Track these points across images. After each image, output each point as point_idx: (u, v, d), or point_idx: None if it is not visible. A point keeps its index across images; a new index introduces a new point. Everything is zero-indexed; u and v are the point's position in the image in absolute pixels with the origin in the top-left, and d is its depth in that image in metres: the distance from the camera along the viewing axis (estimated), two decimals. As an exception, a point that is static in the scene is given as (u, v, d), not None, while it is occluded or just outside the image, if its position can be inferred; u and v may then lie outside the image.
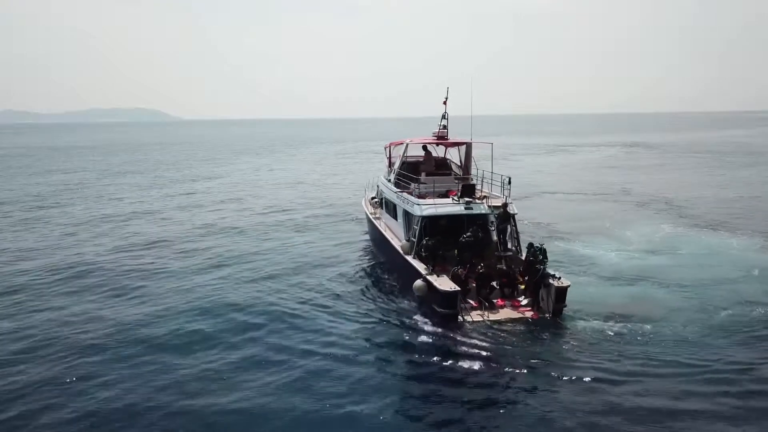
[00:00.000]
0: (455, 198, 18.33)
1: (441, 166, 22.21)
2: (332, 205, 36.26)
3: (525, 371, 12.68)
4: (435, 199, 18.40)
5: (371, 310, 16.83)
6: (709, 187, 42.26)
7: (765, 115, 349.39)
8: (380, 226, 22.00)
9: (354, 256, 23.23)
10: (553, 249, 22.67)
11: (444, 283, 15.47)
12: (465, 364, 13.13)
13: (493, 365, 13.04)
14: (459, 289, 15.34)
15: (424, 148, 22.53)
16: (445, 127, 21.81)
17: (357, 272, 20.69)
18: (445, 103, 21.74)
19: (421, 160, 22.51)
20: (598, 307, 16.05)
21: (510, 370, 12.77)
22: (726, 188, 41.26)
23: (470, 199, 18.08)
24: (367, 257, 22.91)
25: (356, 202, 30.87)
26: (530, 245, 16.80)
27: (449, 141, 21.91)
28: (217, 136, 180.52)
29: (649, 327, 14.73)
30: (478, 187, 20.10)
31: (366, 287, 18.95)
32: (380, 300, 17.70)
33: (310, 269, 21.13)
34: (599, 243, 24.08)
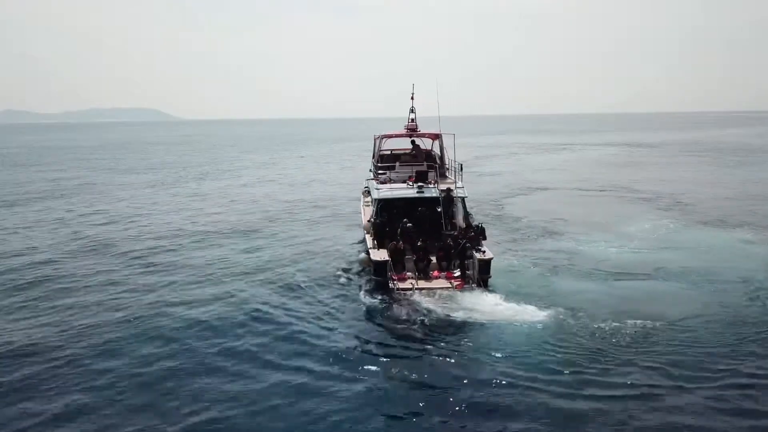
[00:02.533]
0: (410, 183, 20.53)
1: (427, 158, 24.06)
2: (335, 197, 38.84)
3: (437, 335, 14.10)
4: (392, 185, 20.83)
5: (327, 281, 18.82)
6: (711, 184, 42.37)
7: (765, 115, 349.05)
8: (363, 211, 24.28)
9: (342, 238, 25.64)
10: (550, 244, 23.35)
11: (378, 255, 17.64)
12: (386, 327, 14.82)
13: (412, 328, 14.62)
14: (388, 259, 17.39)
15: (413, 141, 24.48)
16: (413, 120, 23.92)
17: (337, 251, 23.08)
18: (412, 98, 23.80)
19: (399, 151, 25.26)
20: (556, 295, 16.62)
21: (423, 332, 14.34)
22: (728, 185, 41.34)
23: (422, 184, 20.30)
24: (351, 239, 25.26)
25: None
26: (468, 224, 19.22)
27: (420, 132, 24.07)
28: (225, 135, 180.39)
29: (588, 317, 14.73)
30: (449, 175, 22.70)
31: (337, 263, 21.06)
32: (341, 273, 19.63)
33: (296, 252, 23.00)
34: (599, 238, 24.30)
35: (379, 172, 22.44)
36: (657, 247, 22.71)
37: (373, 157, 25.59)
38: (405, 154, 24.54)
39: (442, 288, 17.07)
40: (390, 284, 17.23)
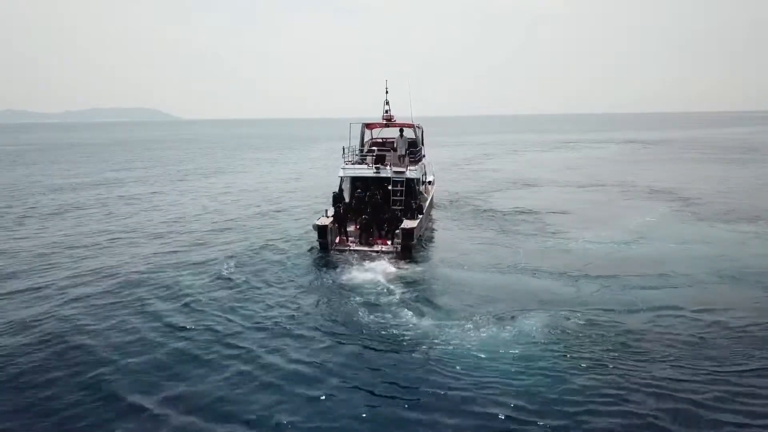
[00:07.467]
0: (369, 164, 23.72)
1: (411, 144, 26.72)
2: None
3: (354, 296, 15.94)
4: (355, 166, 24.01)
5: (286, 248, 21.45)
6: (713, 181, 42.09)
7: (765, 115, 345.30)
8: None
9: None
10: (545, 242, 22.93)
11: (322, 220, 20.54)
12: (323, 279, 17.50)
13: (342, 281, 17.14)
14: (328, 224, 20.16)
15: (401, 130, 26.93)
16: (388, 111, 26.60)
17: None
18: (386, 92, 26.68)
19: (391, 139, 27.64)
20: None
21: (346, 293, 16.29)
22: (730, 182, 41.22)
23: (380, 166, 23.28)
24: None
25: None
26: (406, 202, 22.29)
27: (396, 122, 26.62)
28: (232, 135, 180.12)
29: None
30: (426, 161, 25.67)
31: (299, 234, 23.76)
32: (304, 242, 22.25)
33: (285, 232, 24.90)
34: (595, 235, 24.08)
35: (364, 154, 25.65)
36: (660, 242, 22.31)
37: (360, 143, 28.33)
38: (390, 141, 27.40)
39: (374, 251, 19.99)
40: (329, 247, 20.22)
